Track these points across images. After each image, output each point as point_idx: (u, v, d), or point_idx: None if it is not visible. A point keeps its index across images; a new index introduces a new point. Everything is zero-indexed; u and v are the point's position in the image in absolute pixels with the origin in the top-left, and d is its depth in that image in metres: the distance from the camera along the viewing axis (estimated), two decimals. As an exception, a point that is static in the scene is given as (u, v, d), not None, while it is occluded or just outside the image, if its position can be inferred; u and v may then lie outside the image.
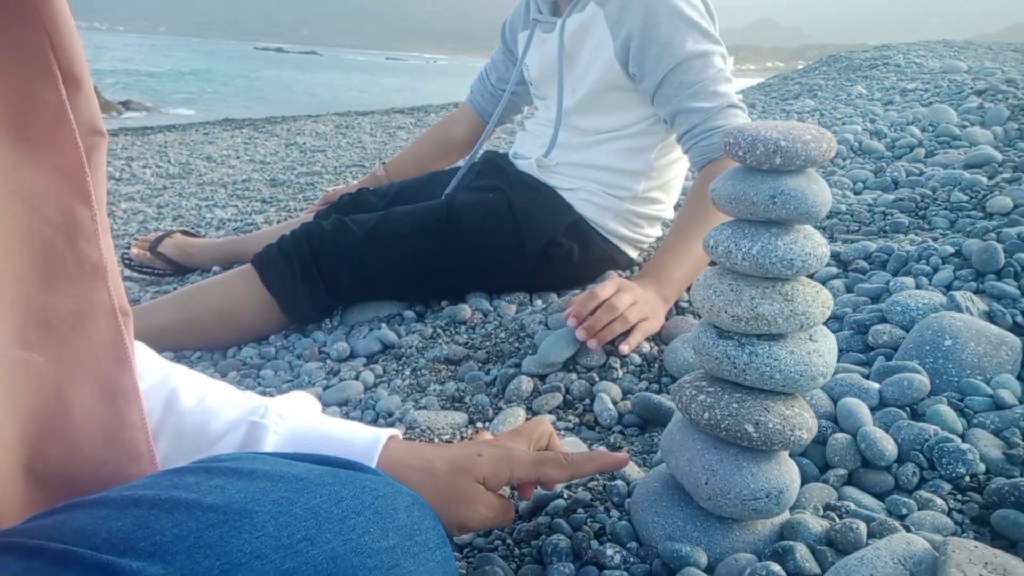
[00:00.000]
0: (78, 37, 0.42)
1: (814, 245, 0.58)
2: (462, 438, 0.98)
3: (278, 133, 5.76)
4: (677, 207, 1.58)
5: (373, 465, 0.62)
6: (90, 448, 0.44)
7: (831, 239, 1.51)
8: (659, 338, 1.21)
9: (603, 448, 0.92)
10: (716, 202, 0.61)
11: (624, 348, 1.13)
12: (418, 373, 1.20)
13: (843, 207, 1.65)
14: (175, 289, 1.63)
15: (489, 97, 1.83)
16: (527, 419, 1.01)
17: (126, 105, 13.65)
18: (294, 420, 0.63)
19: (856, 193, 1.78)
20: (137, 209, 2.88)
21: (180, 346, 1.40)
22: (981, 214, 1.47)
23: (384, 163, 1.97)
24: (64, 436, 0.43)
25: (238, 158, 4.40)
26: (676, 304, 1.29)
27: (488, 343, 1.27)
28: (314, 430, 0.63)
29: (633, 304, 1.14)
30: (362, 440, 0.64)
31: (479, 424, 1.03)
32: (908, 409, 0.86)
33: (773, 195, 0.56)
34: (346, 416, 1.09)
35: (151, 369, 0.63)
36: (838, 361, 0.99)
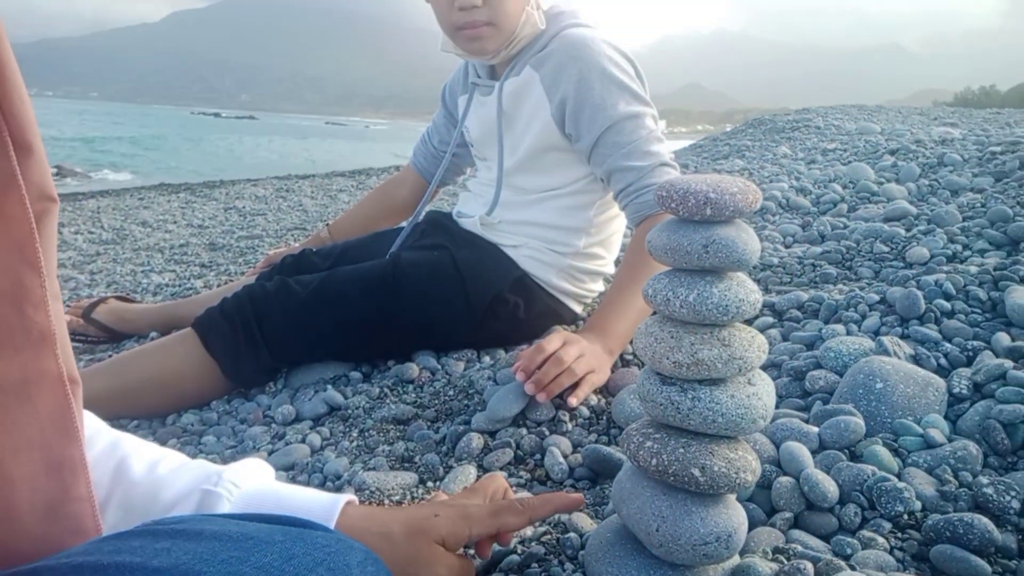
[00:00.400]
0: (29, 104, 0.42)
1: (747, 291, 0.61)
2: (413, 499, 0.96)
3: (216, 197, 5.70)
4: (618, 262, 1.63)
5: None
6: (32, 522, 0.42)
7: (766, 290, 1.57)
8: (606, 390, 1.23)
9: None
10: (652, 252, 0.64)
11: (572, 401, 1.14)
12: (366, 434, 1.18)
13: (775, 260, 1.72)
14: (110, 356, 1.57)
15: (432, 159, 1.87)
16: (479, 477, 1.01)
17: (57, 171, 13.31)
18: (248, 487, 0.61)
19: (787, 246, 1.87)
20: (69, 276, 2.79)
21: (116, 415, 1.34)
22: (902, 264, 1.55)
23: (328, 224, 1.97)
24: (4, 511, 0.41)
25: (175, 223, 4.33)
26: (621, 356, 1.31)
27: (437, 401, 1.26)
28: (269, 497, 0.61)
29: (580, 357, 1.16)
30: (318, 506, 0.62)
31: (430, 483, 1.02)
32: (847, 451, 0.89)
33: (706, 244, 0.59)
34: (293, 480, 1.06)
35: (98, 437, 0.61)
36: (778, 407, 1.02)
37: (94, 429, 0.62)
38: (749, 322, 1.34)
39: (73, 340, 1.79)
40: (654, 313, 0.66)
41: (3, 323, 0.41)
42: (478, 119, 1.57)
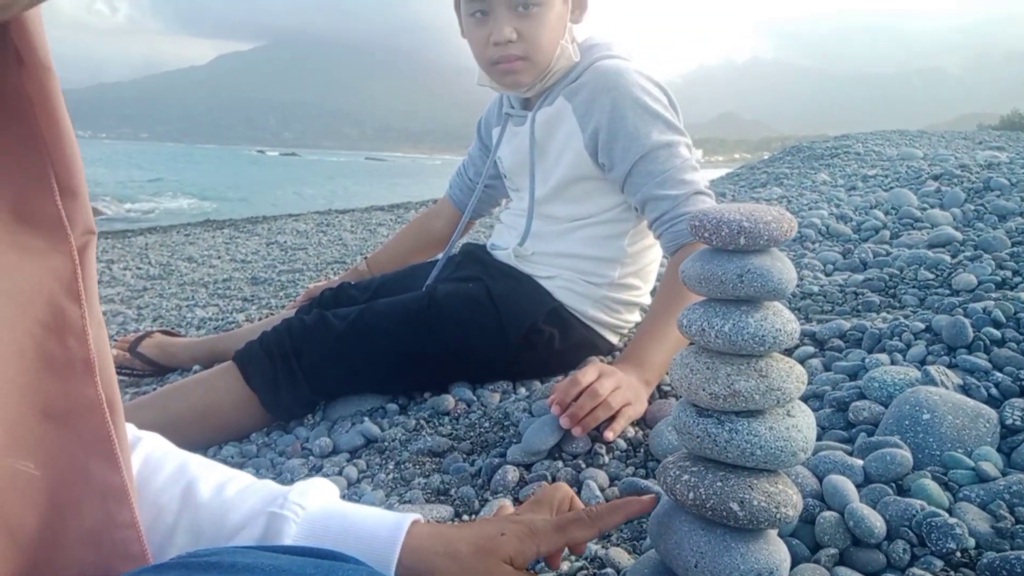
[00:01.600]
0: (76, 149, 0.44)
1: (784, 321, 0.60)
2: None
3: (259, 232, 5.83)
4: (654, 292, 1.62)
5: (396, 552, 0.61)
6: (78, 549, 0.43)
7: (806, 319, 1.54)
8: (643, 422, 1.21)
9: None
10: (686, 283, 0.63)
11: (609, 435, 1.13)
12: (402, 467, 1.18)
13: (815, 288, 1.69)
14: (155, 390, 1.61)
15: (467, 191, 1.89)
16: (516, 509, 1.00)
17: (107, 207, 13.81)
18: (314, 507, 0.62)
19: (827, 275, 1.83)
20: (117, 311, 2.87)
21: (158, 448, 1.37)
22: (948, 291, 1.51)
23: (366, 258, 2.00)
24: (53, 540, 0.42)
25: (219, 258, 4.43)
26: (658, 387, 1.30)
27: (472, 433, 1.26)
28: (334, 517, 0.62)
29: (616, 389, 1.15)
30: (385, 527, 0.62)
31: (465, 517, 1.01)
32: (893, 485, 0.86)
33: (740, 274, 0.58)
34: (328, 513, 1.06)
35: (167, 460, 0.62)
36: (821, 439, 1.00)
37: (162, 452, 0.63)
38: (789, 352, 1.31)
39: (119, 373, 1.83)
40: (691, 344, 0.65)
41: (47, 353, 0.42)
42: (511, 149, 1.58)
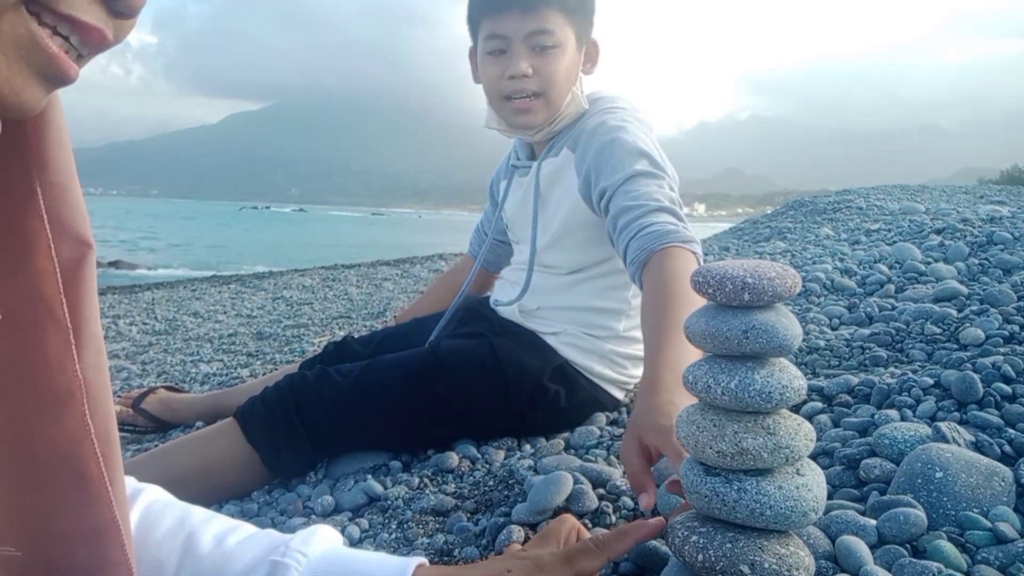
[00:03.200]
0: (67, 148, 0.47)
1: (790, 378, 0.60)
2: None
3: (265, 288, 5.87)
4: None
5: None
6: None
7: (813, 374, 1.52)
8: (650, 480, 1.19)
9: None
10: (691, 339, 0.63)
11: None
12: (405, 526, 1.16)
13: (822, 343, 1.68)
14: (156, 446, 1.59)
15: (486, 248, 1.90)
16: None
17: (115, 265, 13.93)
18: (316, 554, 0.60)
19: (833, 329, 1.82)
20: (122, 366, 2.87)
21: (156, 507, 1.34)
22: (956, 345, 1.50)
23: (395, 316, 2.00)
24: (46, 573, 0.42)
25: (225, 313, 4.45)
26: (665, 444, 1.27)
27: (477, 492, 1.24)
28: (337, 564, 0.60)
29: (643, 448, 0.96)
30: (388, 571, 0.61)
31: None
32: (908, 546, 0.83)
33: (745, 330, 0.58)
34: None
35: (167, 512, 0.62)
36: (832, 497, 0.98)
37: (163, 504, 0.62)
38: (797, 408, 1.29)
39: (122, 430, 1.82)
40: (697, 400, 0.65)
41: (29, 382, 0.42)
42: (515, 200, 1.60)
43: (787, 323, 0.59)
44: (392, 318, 1.99)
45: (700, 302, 0.64)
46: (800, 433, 0.60)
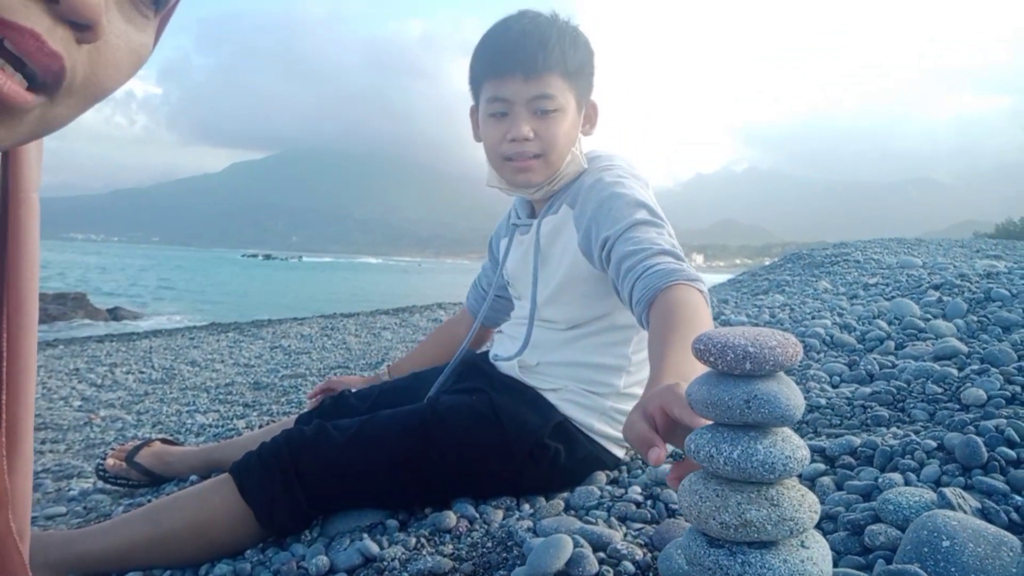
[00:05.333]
0: (35, 279, 0.48)
1: (793, 448, 0.59)
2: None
3: (264, 336, 5.85)
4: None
5: None
6: None
7: (815, 432, 1.51)
8: (651, 543, 1.17)
9: None
10: (693, 406, 0.63)
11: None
12: (400, 589, 1.13)
13: (823, 401, 1.67)
14: (149, 501, 1.57)
15: (481, 301, 1.91)
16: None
17: (113, 313, 13.91)
18: None
19: (834, 387, 1.82)
20: (116, 416, 2.84)
21: (150, 564, 1.32)
22: (957, 406, 1.49)
23: (389, 366, 2.00)
24: None
25: (222, 362, 4.43)
26: (667, 506, 1.26)
27: (475, 554, 1.21)
28: None
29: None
30: None
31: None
32: (916, 617, 0.82)
33: (747, 400, 0.58)
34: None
35: None
36: (837, 565, 0.96)
37: None
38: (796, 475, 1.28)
39: (115, 484, 1.79)
40: (700, 469, 0.64)
41: None
42: (516, 257, 1.61)
43: (789, 393, 0.59)
44: (385, 368, 1.98)
45: (708, 326, 0.64)
46: (805, 504, 0.59)
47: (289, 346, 5.06)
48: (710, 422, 0.63)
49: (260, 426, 2.40)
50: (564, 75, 1.41)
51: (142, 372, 4.12)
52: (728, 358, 0.58)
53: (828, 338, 2.29)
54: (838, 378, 1.87)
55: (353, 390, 1.76)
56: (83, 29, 0.41)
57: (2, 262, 0.48)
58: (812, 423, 1.57)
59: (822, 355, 2.15)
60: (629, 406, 1.47)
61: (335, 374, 3.63)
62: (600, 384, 1.47)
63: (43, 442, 2.44)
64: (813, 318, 2.69)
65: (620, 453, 1.51)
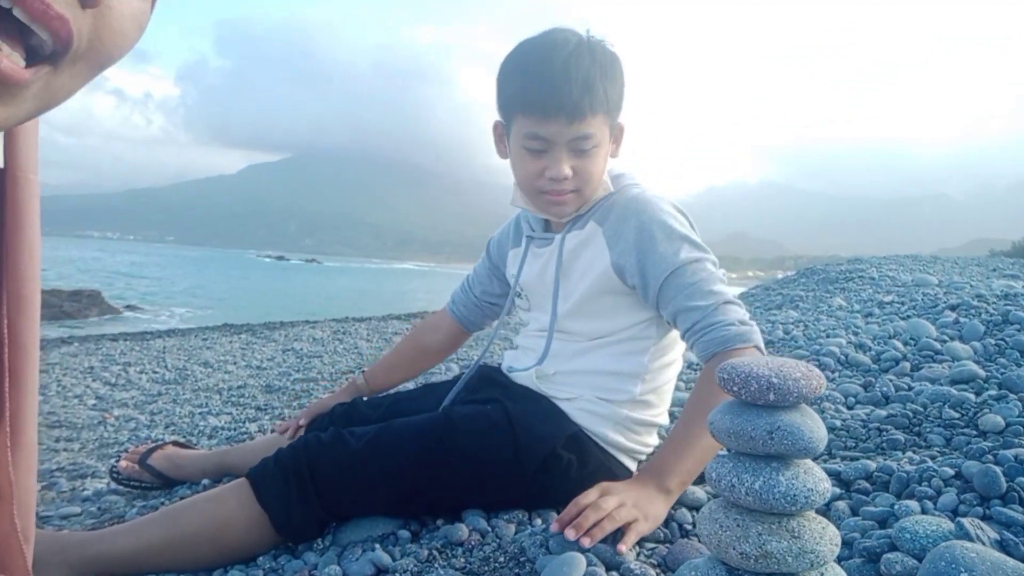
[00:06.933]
0: (36, 257, 0.48)
1: (815, 480, 0.59)
2: None
3: (276, 339, 5.87)
4: (671, 415, 1.60)
5: None
6: None
7: (830, 455, 1.50)
8: (664, 564, 1.16)
9: None
10: (715, 435, 0.63)
11: (622, 547, 1.13)
12: (412, 602, 1.13)
13: (838, 423, 1.66)
14: (163, 504, 1.58)
15: (472, 308, 1.90)
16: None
17: (129, 308, 14.04)
18: None
19: (849, 408, 1.80)
20: (130, 416, 2.86)
21: (165, 567, 1.33)
22: (974, 431, 1.48)
23: (364, 371, 2.00)
24: None
25: (235, 363, 4.45)
26: (680, 526, 1.25)
27: (487, 568, 1.21)
28: None
29: (620, 506, 1.16)
30: None
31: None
32: (932, 649, 0.81)
33: (770, 431, 0.58)
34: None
35: None
36: (852, 593, 0.95)
37: None
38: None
39: (127, 486, 1.81)
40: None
41: None
42: (532, 270, 1.61)
43: (813, 425, 0.59)
44: (360, 373, 1.98)
45: None
46: (825, 537, 0.59)
47: (301, 349, 5.09)
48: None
49: (272, 431, 2.42)
50: (605, 112, 1.41)
51: (155, 372, 4.15)
52: (751, 388, 0.59)
53: (843, 357, 2.28)
54: (853, 399, 1.86)
55: (365, 399, 1.77)
56: None
57: (1, 245, 0.48)
58: (827, 445, 1.56)
59: (837, 375, 2.13)
60: (642, 414, 1.48)
61: (346, 379, 3.64)
62: (616, 391, 1.47)
63: (57, 440, 2.47)
64: (828, 336, 2.67)
65: (632, 466, 1.51)
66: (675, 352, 1.53)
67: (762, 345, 1.30)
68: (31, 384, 0.50)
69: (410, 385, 2.12)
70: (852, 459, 1.42)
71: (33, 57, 0.40)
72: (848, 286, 4.64)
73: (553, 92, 1.35)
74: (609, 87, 1.40)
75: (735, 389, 0.60)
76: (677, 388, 1.68)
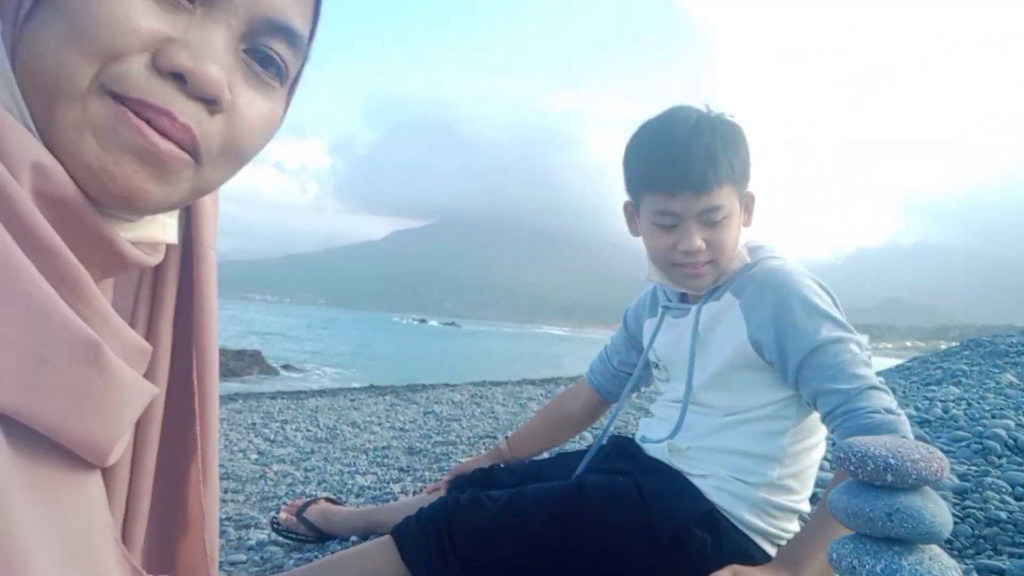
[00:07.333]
0: (215, 322, 0.58)
1: (942, 568, 0.59)
2: None
3: (417, 401, 6.14)
4: (814, 499, 1.54)
5: None
6: None
7: (994, 551, 1.39)
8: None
9: None
10: (835, 514, 0.64)
11: None
12: (542, 667, 1.16)
13: (1003, 515, 1.53)
14: (316, 557, 1.71)
15: (610, 377, 1.94)
16: None
17: (285, 368, 15.14)
18: None
19: (1016, 499, 1.66)
20: (287, 472, 3.10)
21: (317, 617, 1.44)
22: None
23: (507, 437, 2.08)
24: None
25: (379, 424, 4.69)
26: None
27: (615, 639, 1.23)
28: None
29: None
30: None
31: None
32: None
33: (889, 512, 0.59)
34: None
35: None
36: None
37: None
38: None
39: (286, 537, 1.97)
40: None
41: (172, 506, 0.53)
42: (668, 340, 1.63)
43: (935, 509, 0.59)
44: (504, 440, 2.05)
45: None
46: (953, 626, 0.59)
47: (441, 412, 5.28)
48: None
49: (414, 492, 2.54)
50: (732, 182, 1.43)
51: (309, 430, 4.46)
52: (868, 468, 0.60)
53: (1011, 441, 2.09)
54: (1021, 489, 1.70)
55: (502, 464, 1.84)
56: (211, 103, 0.49)
57: (189, 313, 0.60)
58: (991, 538, 1.45)
59: (1004, 460, 1.96)
60: (781, 499, 1.44)
61: (484, 444, 3.75)
62: (752, 473, 1.44)
63: (225, 491, 2.72)
64: (993, 416, 2.46)
65: (771, 550, 1.46)
66: (817, 436, 1.48)
67: (910, 436, 1.24)
68: (215, 431, 0.63)
69: (544, 453, 2.17)
70: (1020, 556, 1.31)
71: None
72: (1020, 360, 4.23)
73: (677, 168, 1.40)
74: (733, 158, 1.44)
75: (852, 468, 0.61)
76: (822, 468, 1.62)
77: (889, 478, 0.59)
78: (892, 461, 0.59)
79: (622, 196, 1.57)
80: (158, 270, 0.59)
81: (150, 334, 0.58)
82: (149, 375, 0.54)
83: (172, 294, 0.60)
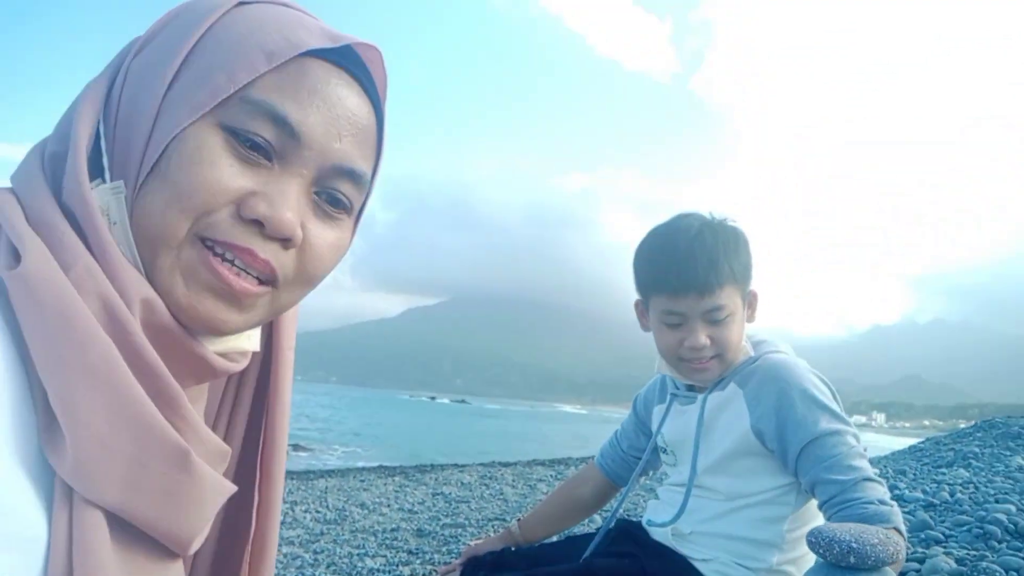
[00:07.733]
0: (287, 414, 0.67)
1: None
2: None
3: (426, 482, 6.11)
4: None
5: None
6: None
7: (988, 632, 1.43)
8: None
9: None
10: (808, 594, 0.72)
11: None
12: None
13: (998, 597, 1.57)
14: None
15: (619, 462, 1.99)
16: None
17: (294, 447, 15.08)
18: None
19: (1013, 582, 1.69)
20: (296, 554, 3.12)
21: None
22: None
23: (519, 520, 2.12)
24: None
25: (388, 506, 4.69)
26: None
27: None
28: None
29: None
30: None
31: None
32: None
33: (853, 591, 0.67)
34: None
35: None
36: None
37: None
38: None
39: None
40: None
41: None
42: (675, 426, 1.70)
43: (892, 587, 0.67)
44: (516, 522, 2.09)
45: None
46: None
47: (450, 493, 5.27)
48: None
49: (423, 575, 2.56)
50: (734, 283, 1.54)
51: (318, 511, 4.47)
52: (834, 551, 0.68)
53: (1011, 526, 2.12)
54: (1015, 574, 1.74)
55: (513, 548, 1.89)
56: (285, 241, 0.58)
57: (261, 408, 0.70)
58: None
59: (1003, 545, 1.99)
60: (782, 584, 1.49)
61: (492, 527, 3.75)
62: (753, 559, 1.49)
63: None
64: (996, 500, 2.49)
65: (771, 635, 1.50)
66: (815, 523, 1.53)
67: (902, 527, 1.29)
68: (276, 518, 0.72)
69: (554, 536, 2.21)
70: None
71: (264, 282, 0.60)
72: (1031, 443, 4.23)
73: (681, 273, 1.51)
74: (734, 261, 1.55)
75: (821, 552, 0.70)
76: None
77: (852, 560, 0.67)
78: (855, 545, 0.67)
79: (632, 303, 1.69)
80: (241, 372, 0.68)
81: (228, 433, 0.67)
82: (225, 471, 0.63)
83: (251, 394, 0.70)
